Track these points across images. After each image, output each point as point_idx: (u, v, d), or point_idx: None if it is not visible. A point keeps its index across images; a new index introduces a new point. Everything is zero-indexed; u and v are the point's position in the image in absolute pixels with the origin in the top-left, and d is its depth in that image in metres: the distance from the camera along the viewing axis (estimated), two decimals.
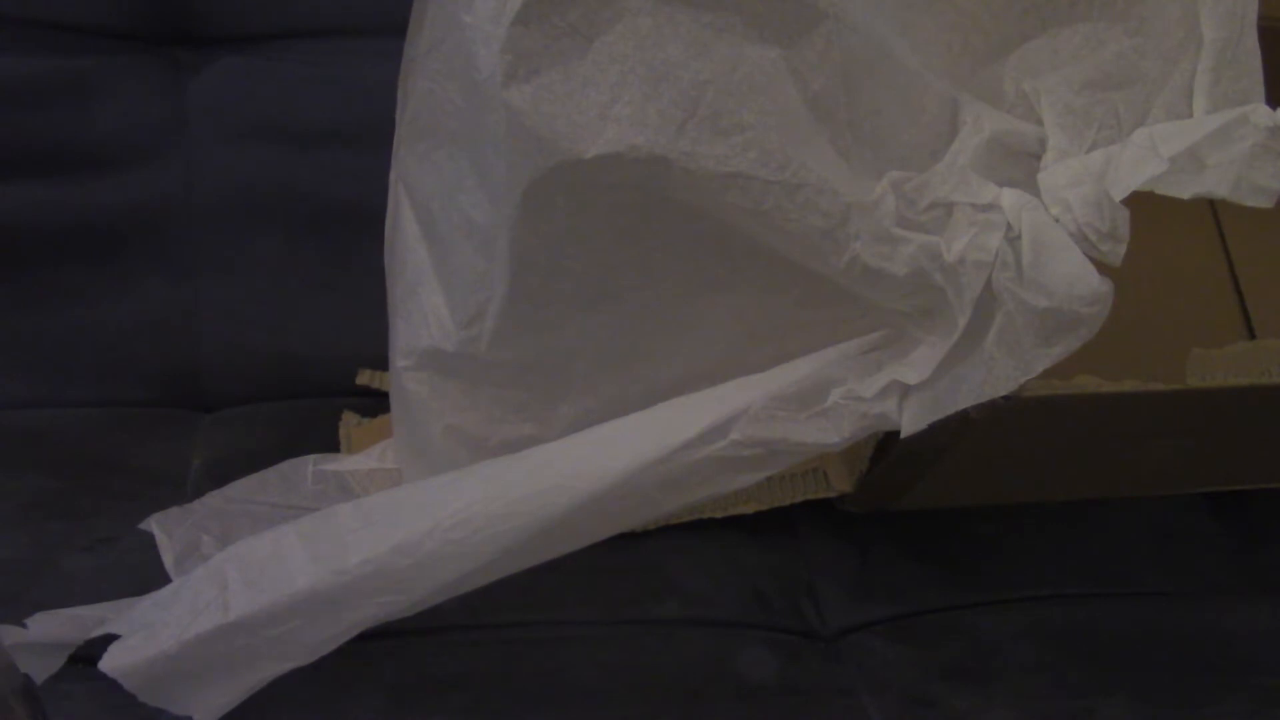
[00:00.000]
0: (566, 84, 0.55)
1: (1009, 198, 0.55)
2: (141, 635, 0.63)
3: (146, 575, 0.72)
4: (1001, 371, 0.56)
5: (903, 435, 0.59)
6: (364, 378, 0.90)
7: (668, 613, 0.76)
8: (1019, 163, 0.57)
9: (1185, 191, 0.53)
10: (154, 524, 0.76)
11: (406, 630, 0.67)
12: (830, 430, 0.60)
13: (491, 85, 0.56)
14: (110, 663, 0.62)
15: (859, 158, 0.57)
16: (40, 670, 0.63)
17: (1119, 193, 0.54)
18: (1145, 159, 0.53)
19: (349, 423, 0.86)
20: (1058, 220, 0.54)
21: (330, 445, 0.85)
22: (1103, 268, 0.54)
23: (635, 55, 0.55)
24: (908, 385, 0.59)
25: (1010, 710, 0.72)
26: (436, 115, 0.65)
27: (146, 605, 0.65)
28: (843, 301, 0.60)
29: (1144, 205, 0.54)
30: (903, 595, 0.80)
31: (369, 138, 0.77)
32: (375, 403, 0.87)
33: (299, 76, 0.91)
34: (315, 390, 0.91)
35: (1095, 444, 0.73)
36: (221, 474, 0.81)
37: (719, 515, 0.80)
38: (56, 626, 0.65)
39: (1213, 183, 0.52)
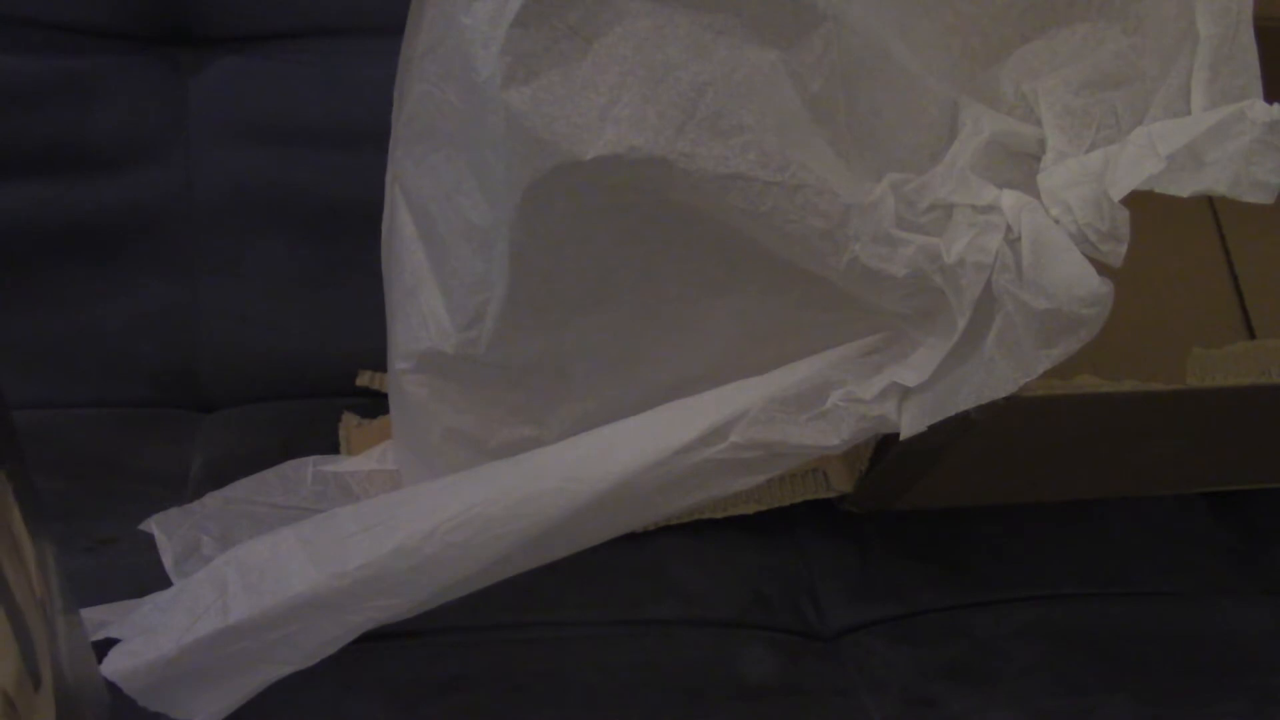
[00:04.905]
0: (566, 86, 0.55)
1: (1009, 199, 0.55)
2: (142, 639, 0.63)
3: (146, 576, 0.72)
4: (1001, 373, 0.56)
5: (902, 437, 0.59)
6: (364, 379, 0.90)
7: (668, 613, 0.76)
8: (1019, 164, 0.57)
9: (1184, 189, 0.53)
10: (154, 525, 0.76)
11: (407, 631, 0.67)
12: (830, 432, 0.60)
13: (490, 87, 0.56)
14: (111, 667, 0.62)
15: (858, 159, 0.57)
16: None
17: (1118, 192, 0.53)
18: (1144, 158, 0.53)
19: (349, 424, 0.86)
20: (1058, 221, 0.54)
21: (330, 446, 0.84)
22: (1103, 268, 0.53)
23: (635, 57, 0.55)
24: (907, 387, 0.59)
25: (1010, 710, 0.72)
26: (434, 117, 0.65)
27: (147, 608, 0.65)
28: (842, 303, 0.59)
29: (1144, 205, 0.54)
30: (903, 595, 0.79)
31: (369, 138, 0.76)
32: (375, 403, 0.87)
33: (299, 76, 0.91)
34: (315, 390, 0.90)
35: (1095, 444, 0.72)
36: (221, 474, 0.81)
37: (719, 516, 0.80)
38: None
39: (1212, 179, 0.52)
